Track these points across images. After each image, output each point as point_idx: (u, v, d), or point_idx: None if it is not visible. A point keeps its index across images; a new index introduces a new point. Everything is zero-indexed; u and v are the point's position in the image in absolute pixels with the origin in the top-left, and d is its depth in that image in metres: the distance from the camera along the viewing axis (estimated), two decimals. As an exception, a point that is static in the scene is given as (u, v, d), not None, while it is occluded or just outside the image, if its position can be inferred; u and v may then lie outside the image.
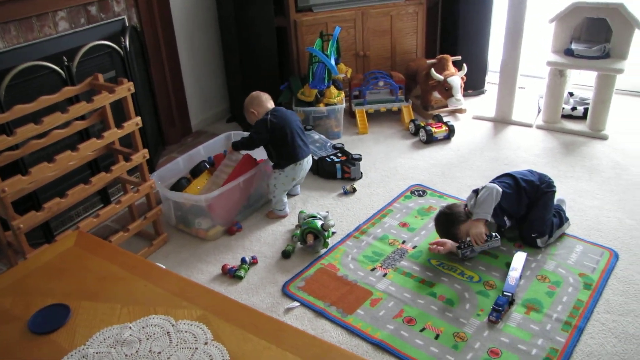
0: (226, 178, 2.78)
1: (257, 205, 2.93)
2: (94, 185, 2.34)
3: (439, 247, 2.47)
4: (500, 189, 2.41)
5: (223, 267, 2.46)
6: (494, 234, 2.39)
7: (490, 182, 2.52)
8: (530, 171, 2.60)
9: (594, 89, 3.44)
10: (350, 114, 3.90)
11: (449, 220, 2.48)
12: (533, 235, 2.46)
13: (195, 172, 2.95)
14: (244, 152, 2.88)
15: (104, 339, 1.36)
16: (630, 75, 3.75)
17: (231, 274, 2.43)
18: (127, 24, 3.07)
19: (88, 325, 1.43)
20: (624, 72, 3.28)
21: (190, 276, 2.44)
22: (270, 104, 2.89)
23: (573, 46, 3.47)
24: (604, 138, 3.47)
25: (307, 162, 2.86)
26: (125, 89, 2.39)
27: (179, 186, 2.81)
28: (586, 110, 3.62)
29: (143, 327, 1.39)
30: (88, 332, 1.40)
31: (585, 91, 3.87)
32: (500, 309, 2.10)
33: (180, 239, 2.73)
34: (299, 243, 2.60)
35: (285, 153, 2.77)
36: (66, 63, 2.58)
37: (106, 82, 2.41)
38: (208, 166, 2.97)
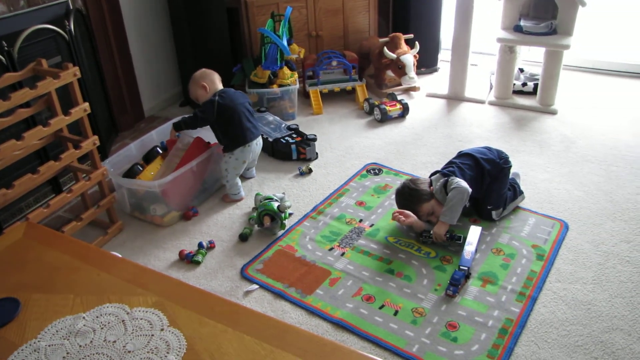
0: (179, 162, 2.74)
1: (212, 189, 2.89)
2: (42, 174, 2.27)
3: (401, 216, 2.47)
4: (469, 190, 2.39)
5: (180, 253, 2.43)
6: (457, 235, 2.38)
7: (453, 166, 2.51)
8: (488, 148, 2.64)
9: (542, 64, 3.52)
10: (304, 95, 3.88)
11: (412, 197, 2.48)
12: (489, 207, 2.51)
13: (148, 157, 2.89)
14: (189, 133, 2.82)
15: (57, 331, 1.33)
16: (577, 51, 3.86)
17: (189, 260, 2.40)
18: (72, 7, 2.96)
19: (39, 318, 1.39)
20: (570, 48, 3.36)
21: (147, 263, 2.40)
22: (220, 85, 2.85)
23: (522, 23, 3.53)
24: (553, 113, 3.56)
25: (257, 144, 2.83)
26: (71, 74, 2.31)
27: (132, 173, 2.75)
28: (536, 85, 3.70)
29: (97, 317, 1.37)
30: (39, 325, 1.36)
31: (535, 67, 3.96)
32: (457, 283, 2.14)
33: (135, 227, 2.68)
34: (256, 226, 2.59)
35: (233, 135, 2.74)
36: (6, 48, 2.47)
37: (51, 68, 2.33)
38: (161, 151, 2.91)
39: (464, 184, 2.39)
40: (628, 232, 2.45)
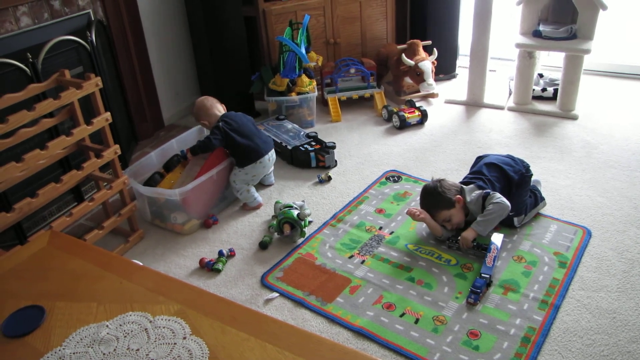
0: (199, 171, 2.76)
1: (232, 198, 2.91)
2: (65, 183, 2.30)
3: (417, 211, 2.46)
4: (510, 207, 2.38)
5: (201, 261, 2.44)
6: (484, 245, 2.36)
7: (483, 179, 2.51)
8: (512, 157, 2.62)
9: (562, 69, 3.49)
10: (322, 102, 3.89)
11: (437, 200, 2.45)
12: (510, 214, 2.49)
13: (169, 166, 2.92)
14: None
15: (81, 339, 1.34)
16: (597, 56, 3.82)
17: (209, 268, 2.41)
18: (93, 18, 3.01)
19: (64, 325, 1.40)
20: (591, 52, 3.32)
21: (167, 271, 2.42)
22: (218, 110, 2.89)
23: (541, 28, 3.51)
24: (574, 118, 3.52)
25: (270, 159, 2.85)
26: (93, 84, 2.34)
27: (152, 181, 2.78)
28: (556, 91, 3.67)
29: (120, 325, 1.38)
30: (64, 332, 1.37)
31: (555, 72, 3.92)
32: (478, 291, 2.12)
33: (156, 235, 2.70)
34: (276, 234, 2.59)
35: (243, 154, 2.78)
36: (30, 60, 2.52)
37: (73, 78, 2.36)
38: (181, 160, 2.94)
39: (506, 201, 2.38)
40: (653, 239, 2.42)
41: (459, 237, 2.40)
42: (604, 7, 3.26)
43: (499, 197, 2.39)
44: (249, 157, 2.77)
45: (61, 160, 2.64)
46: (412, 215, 2.48)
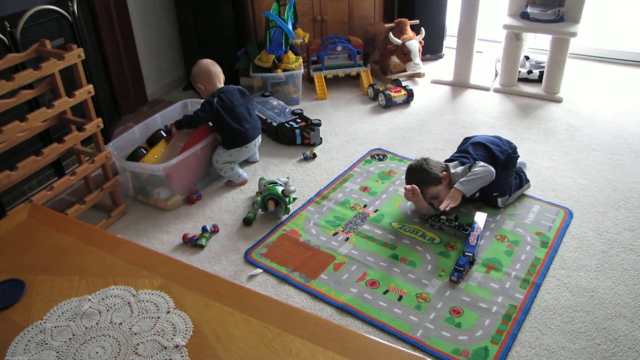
0: (183, 146, 2.73)
1: (217, 173, 2.88)
2: (45, 156, 2.26)
3: (410, 193, 2.44)
4: (494, 173, 2.41)
5: (184, 237, 2.43)
6: (465, 225, 2.37)
7: (468, 157, 2.53)
8: (499, 138, 2.63)
9: (548, 52, 3.49)
10: (308, 80, 3.86)
11: (423, 177, 2.46)
12: (494, 194, 2.51)
13: (152, 141, 2.88)
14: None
15: (62, 313, 1.33)
16: (583, 39, 3.83)
17: (192, 243, 2.40)
18: (75, -12, 2.93)
19: (45, 299, 1.38)
20: (577, 35, 3.33)
21: (150, 247, 2.39)
22: (219, 82, 2.84)
23: (528, 9, 3.50)
24: (558, 101, 3.53)
25: (255, 143, 2.84)
26: (75, 56, 2.29)
27: (135, 156, 2.74)
28: (541, 73, 3.68)
29: (103, 299, 1.36)
30: (45, 306, 1.36)
31: (541, 55, 3.93)
32: (461, 269, 2.14)
33: (139, 210, 2.68)
34: (260, 210, 2.58)
35: (230, 136, 2.75)
36: (8, 29, 2.45)
37: (54, 49, 2.31)
38: (165, 135, 2.90)
39: (491, 167, 2.42)
40: (632, 221, 2.45)
41: (443, 217, 2.42)
42: (592, -10, 3.26)
43: (483, 164, 2.43)
44: (236, 141, 2.75)
45: (42, 134, 2.59)
46: (406, 195, 2.47)
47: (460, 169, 2.49)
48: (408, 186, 2.47)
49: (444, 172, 2.47)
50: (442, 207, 2.38)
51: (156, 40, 3.73)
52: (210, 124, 2.80)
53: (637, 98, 3.55)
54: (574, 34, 3.32)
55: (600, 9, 4.26)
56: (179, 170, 2.62)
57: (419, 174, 2.48)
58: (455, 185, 2.41)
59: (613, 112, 3.39)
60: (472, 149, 2.58)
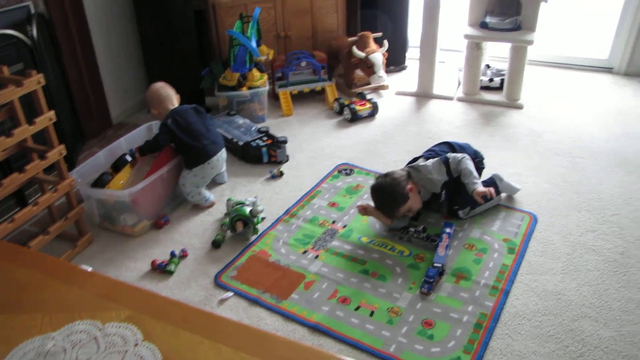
0: (149, 170, 2.70)
1: (183, 197, 2.86)
2: (5, 187, 2.21)
3: (363, 210, 2.52)
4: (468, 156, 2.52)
5: (152, 263, 2.40)
6: (433, 237, 2.41)
7: (432, 153, 2.62)
8: (468, 145, 2.70)
9: (508, 60, 3.57)
10: (274, 96, 3.87)
11: (391, 199, 2.42)
12: (455, 207, 2.54)
13: (117, 165, 2.85)
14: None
15: (24, 354, 1.29)
16: (541, 47, 3.92)
17: (161, 269, 2.37)
18: (33, 11, 2.89)
19: (5, 341, 1.34)
20: (534, 43, 3.41)
21: (118, 275, 2.36)
22: (172, 104, 2.83)
23: (487, 19, 3.58)
24: (519, 107, 3.61)
25: (218, 159, 2.80)
26: (35, 82, 2.25)
27: (100, 182, 2.70)
28: (502, 81, 3.75)
29: (67, 335, 1.34)
30: (5, 348, 1.32)
31: (501, 63, 4.01)
32: (431, 281, 2.16)
33: (105, 238, 2.64)
34: (228, 231, 2.57)
35: (191, 155, 2.74)
36: (-36, 57, 2.41)
37: (13, 75, 2.27)
38: (130, 159, 2.87)
39: (460, 155, 2.50)
40: (593, 222, 2.52)
41: (412, 229, 2.44)
42: (545, 0, 3.35)
43: (454, 156, 2.50)
44: (196, 159, 2.73)
45: (1, 163, 2.54)
46: (360, 209, 2.53)
47: (430, 164, 2.49)
48: (359, 205, 2.52)
49: (410, 186, 2.47)
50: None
51: (119, 62, 3.70)
52: (173, 145, 2.78)
53: (594, 102, 3.66)
54: (530, 42, 3.41)
55: (555, 17, 4.38)
56: (145, 195, 2.59)
57: (387, 196, 2.45)
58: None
59: (571, 116, 3.48)
60: (436, 147, 2.65)
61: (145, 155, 2.75)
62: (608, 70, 4.11)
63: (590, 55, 4.23)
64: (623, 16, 3.94)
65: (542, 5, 3.42)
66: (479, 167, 2.60)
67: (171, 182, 2.77)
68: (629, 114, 3.48)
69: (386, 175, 2.50)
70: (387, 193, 2.45)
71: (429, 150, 2.67)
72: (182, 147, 2.73)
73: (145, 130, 3.08)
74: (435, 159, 2.52)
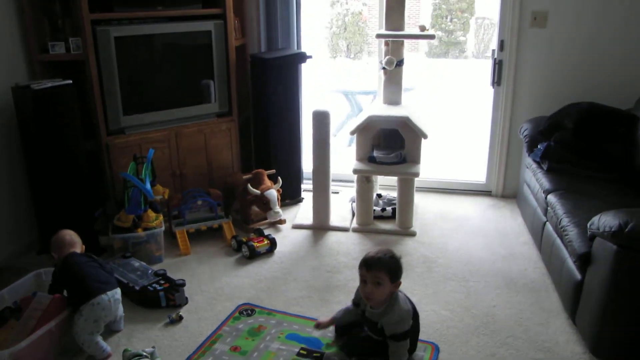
0: (35, 323, 2.51)
1: (76, 348, 2.65)
2: None
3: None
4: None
5: None
6: None
7: None
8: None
9: (397, 191, 3.78)
10: (171, 235, 3.80)
11: (388, 262, 2.40)
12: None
13: (-1, 321, 2.63)
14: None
15: None
16: (427, 174, 4.21)
17: None
18: None
19: None
20: (419, 175, 3.67)
21: None
22: (69, 249, 2.78)
23: (375, 154, 3.82)
24: (412, 234, 3.78)
25: (110, 299, 2.65)
26: None
27: (-24, 341, 2.46)
28: (394, 210, 3.94)
29: None
30: None
31: (392, 191, 4.23)
32: None
33: (-19, 406, 2.36)
34: (124, 389, 2.39)
35: (76, 292, 2.65)
36: None
37: None
38: (12, 314, 2.66)
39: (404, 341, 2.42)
40: (491, 345, 2.60)
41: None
42: (425, 136, 3.66)
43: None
44: (80, 297, 2.60)
45: None
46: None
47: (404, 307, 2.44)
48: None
49: (399, 283, 2.47)
50: None
51: (6, 203, 3.52)
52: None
53: (477, 225, 3.92)
54: (416, 174, 3.66)
55: (437, 143, 4.78)
56: (31, 353, 2.38)
57: (387, 258, 2.41)
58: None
59: (460, 239, 3.69)
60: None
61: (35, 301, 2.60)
62: (487, 193, 4.47)
63: (471, 179, 4.60)
64: (492, 142, 4.37)
65: (423, 140, 3.71)
66: None
67: (62, 334, 2.58)
68: (509, 235, 3.75)
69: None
70: (392, 258, 2.43)
71: None
72: (69, 286, 2.66)
73: (32, 279, 2.91)
74: (407, 309, 2.44)
